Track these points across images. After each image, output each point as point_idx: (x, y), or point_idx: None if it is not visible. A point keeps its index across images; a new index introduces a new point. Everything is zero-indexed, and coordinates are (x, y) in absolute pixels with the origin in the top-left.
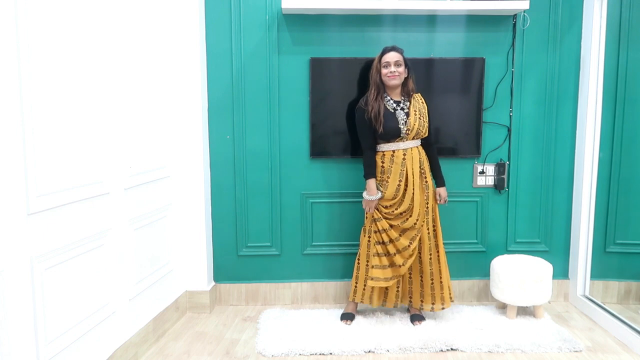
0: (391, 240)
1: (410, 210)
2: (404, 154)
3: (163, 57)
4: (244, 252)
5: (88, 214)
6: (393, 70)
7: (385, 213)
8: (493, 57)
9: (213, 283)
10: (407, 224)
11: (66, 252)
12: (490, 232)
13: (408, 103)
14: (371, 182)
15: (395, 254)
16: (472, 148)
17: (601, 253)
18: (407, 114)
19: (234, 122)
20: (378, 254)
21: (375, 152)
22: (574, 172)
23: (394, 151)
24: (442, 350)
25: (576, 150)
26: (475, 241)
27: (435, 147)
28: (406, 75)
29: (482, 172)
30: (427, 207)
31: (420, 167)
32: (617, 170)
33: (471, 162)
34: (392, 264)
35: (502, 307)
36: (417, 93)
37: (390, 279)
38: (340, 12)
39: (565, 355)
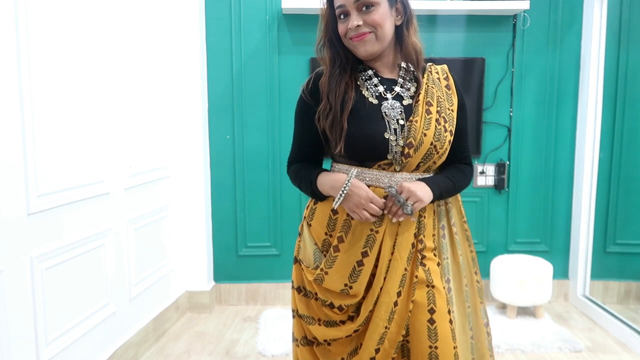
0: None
1: (364, 324)
2: (387, 198)
3: (163, 57)
4: (244, 252)
5: (88, 214)
6: (357, 24)
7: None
8: (493, 57)
9: (213, 283)
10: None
11: (66, 252)
12: (490, 232)
13: (412, 85)
14: (322, 183)
15: None
16: (472, 148)
17: (601, 253)
18: (409, 109)
19: (234, 122)
20: None
21: (314, 163)
22: (574, 172)
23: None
24: None
25: (576, 150)
26: (475, 241)
27: (469, 171)
28: (399, 23)
29: (482, 172)
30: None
31: (416, 232)
32: (617, 170)
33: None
34: None
35: (502, 307)
36: (438, 65)
37: None
38: None
39: (566, 356)
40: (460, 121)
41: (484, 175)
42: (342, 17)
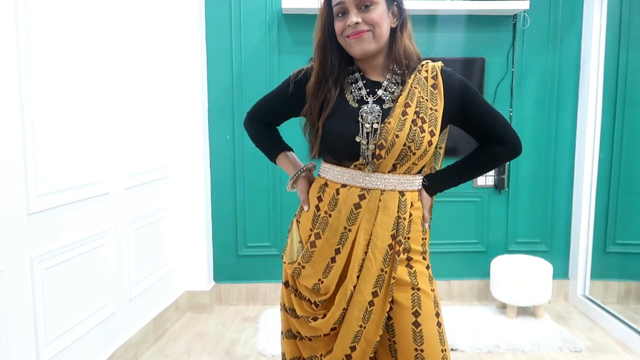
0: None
1: (341, 322)
2: (361, 197)
3: (163, 57)
4: (244, 252)
5: (88, 214)
6: (356, 21)
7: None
8: (493, 57)
9: (213, 283)
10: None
11: (66, 252)
12: (490, 232)
13: (397, 87)
14: (281, 160)
15: None
16: (472, 148)
17: (601, 253)
18: (387, 112)
19: (234, 122)
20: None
21: (269, 127)
22: (574, 172)
23: (343, 186)
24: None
25: (576, 150)
26: (475, 241)
27: (505, 150)
28: (394, 25)
29: None
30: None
31: (394, 234)
32: (617, 170)
33: None
34: None
35: (502, 307)
36: (432, 62)
37: None
38: None
39: (566, 355)
40: (475, 108)
41: (484, 175)
42: (340, 15)
